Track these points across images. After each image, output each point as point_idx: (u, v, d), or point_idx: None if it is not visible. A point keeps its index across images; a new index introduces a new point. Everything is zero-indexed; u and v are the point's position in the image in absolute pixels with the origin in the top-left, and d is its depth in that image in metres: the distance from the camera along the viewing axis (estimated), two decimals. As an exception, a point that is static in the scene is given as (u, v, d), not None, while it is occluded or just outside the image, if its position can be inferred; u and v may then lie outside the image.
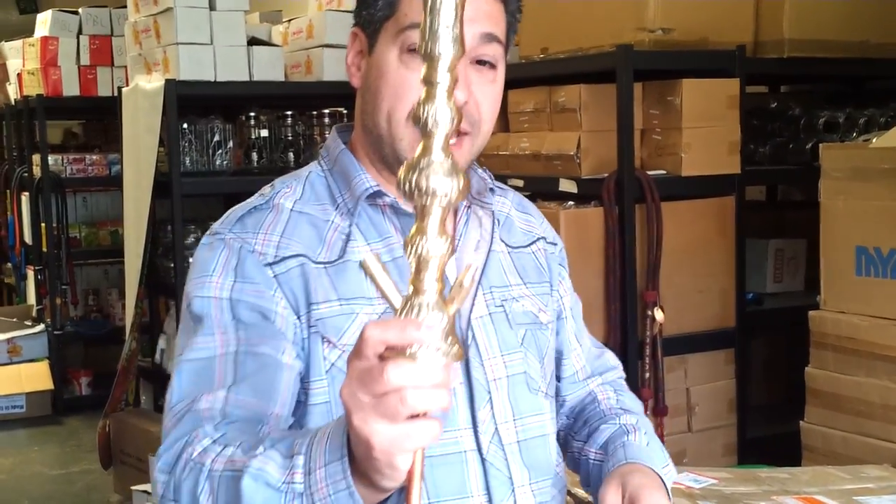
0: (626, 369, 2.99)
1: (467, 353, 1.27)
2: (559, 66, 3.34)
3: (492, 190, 1.41)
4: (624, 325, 3.03)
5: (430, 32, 0.85)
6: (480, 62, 1.26)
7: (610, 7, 3.20)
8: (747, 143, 3.26)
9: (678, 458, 3.11)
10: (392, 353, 0.87)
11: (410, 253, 0.88)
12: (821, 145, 2.78)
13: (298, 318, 1.22)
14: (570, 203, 3.08)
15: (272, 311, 1.21)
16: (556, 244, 1.49)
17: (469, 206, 1.35)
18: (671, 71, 3.11)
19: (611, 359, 1.55)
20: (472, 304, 1.30)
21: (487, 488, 1.24)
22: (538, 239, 1.45)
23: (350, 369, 0.90)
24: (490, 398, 1.27)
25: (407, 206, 1.26)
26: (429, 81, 0.86)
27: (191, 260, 1.31)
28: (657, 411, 3.04)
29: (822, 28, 3.34)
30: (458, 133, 1.24)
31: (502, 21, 1.28)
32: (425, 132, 0.87)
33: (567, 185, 3.13)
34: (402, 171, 0.87)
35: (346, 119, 4.32)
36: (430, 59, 0.86)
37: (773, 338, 3.69)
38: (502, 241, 1.39)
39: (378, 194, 1.28)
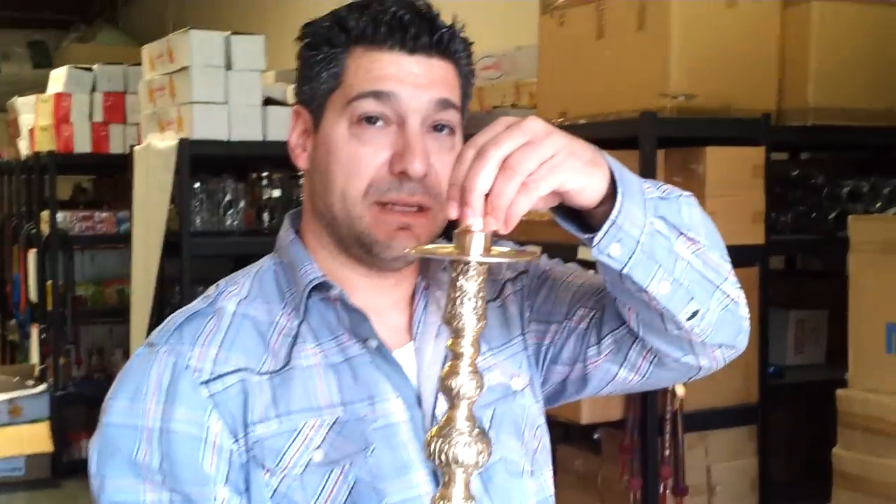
0: (644, 446, 2.94)
1: None
2: (579, 131, 3.24)
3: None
4: (644, 400, 2.93)
5: (454, 305, 0.93)
6: (438, 128, 1.17)
7: (631, 72, 3.13)
8: (768, 212, 3.18)
9: (698, 538, 2.99)
10: None
11: None
12: (849, 217, 2.71)
13: (236, 440, 1.12)
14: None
15: (202, 441, 1.11)
16: (522, 276, 1.32)
17: (426, 288, 1.24)
18: (694, 138, 3.05)
19: None
20: (435, 400, 1.17)
21: None
22: (504, 284, 1.31)
23: None
24: None
25: (354, 300, 1.17)
26: (455, 352, 0.94)
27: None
28: (677, 491, 2.92)
29: (847, 96, 3.27)
30: (420, 208, 1.15)
31: (457, 87, 1.20)
32: (452, 403, 0.94)
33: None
34: (428, 436, 0.94)
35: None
36: (455, 331, 0.94)
37: (793, 411, 3.58)
38: None
39: (323, 286, 1.18)
